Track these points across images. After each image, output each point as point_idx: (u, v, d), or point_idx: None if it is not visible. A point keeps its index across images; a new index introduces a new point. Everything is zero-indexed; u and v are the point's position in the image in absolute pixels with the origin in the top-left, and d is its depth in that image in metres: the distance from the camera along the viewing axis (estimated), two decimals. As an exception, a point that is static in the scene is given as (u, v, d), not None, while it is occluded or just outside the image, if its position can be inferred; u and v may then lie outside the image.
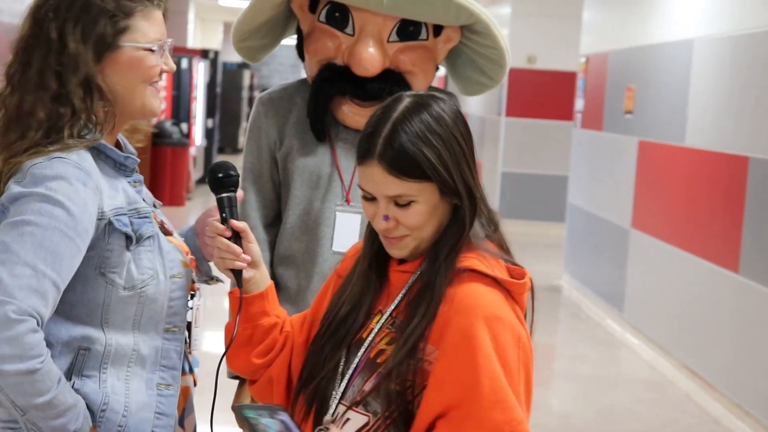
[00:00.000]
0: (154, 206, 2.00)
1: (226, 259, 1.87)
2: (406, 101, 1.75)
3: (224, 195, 1.89)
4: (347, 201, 2.43)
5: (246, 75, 20.36)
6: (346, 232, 2.42)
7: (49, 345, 1.75)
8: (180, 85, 13.29)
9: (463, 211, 1.73)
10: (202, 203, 13.72)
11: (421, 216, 1.72)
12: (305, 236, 2.43)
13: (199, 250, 2.05)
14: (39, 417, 1.70)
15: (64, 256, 1.72)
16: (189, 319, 1.94)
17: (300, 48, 2.53)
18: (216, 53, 15.93)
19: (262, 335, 1.90)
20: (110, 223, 1.80)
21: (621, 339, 7.25)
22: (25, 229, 1.71)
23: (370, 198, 1.75)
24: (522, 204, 12.25)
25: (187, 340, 1.96)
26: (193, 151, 13.63)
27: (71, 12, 1.83)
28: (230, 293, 1.93)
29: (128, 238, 1.82)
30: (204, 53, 15.49)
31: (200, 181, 14.09)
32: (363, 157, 1.73)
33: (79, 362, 1.80)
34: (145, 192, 1.98)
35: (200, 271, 2.05)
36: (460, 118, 1.77)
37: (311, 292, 2.37)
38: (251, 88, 21.56)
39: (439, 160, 1.69)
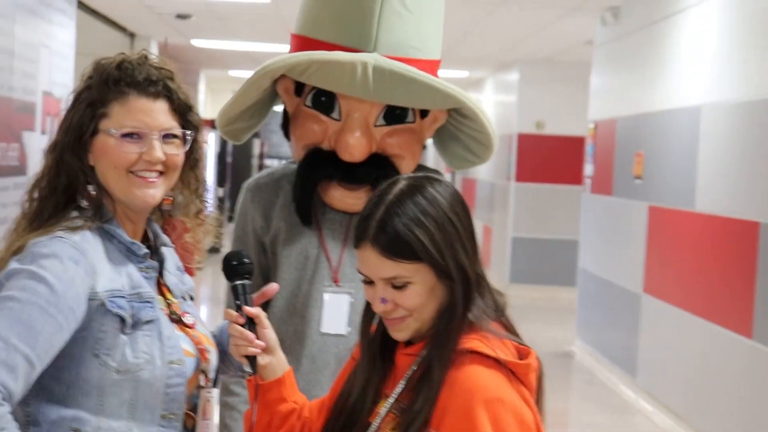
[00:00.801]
0: (191, 298, 2.04)
1: (240, 346, 1.89)
2: (401, 184, 1.78)
3: (238, 282, 1.92)
4: (335, 282, 2.41)
5: (256, 144, 20.49)
6: (334, 314, 2.39)
7: (36, 423, 1.79)
8: (191, 154, 13.35)
9: (456, 292, 1.74)
10: (212, 272, 13.72)
11: (418, 297, 1.73)
12: (293, 319, 2.40)
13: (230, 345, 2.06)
14: None
15: (41, 332, 1.73)
16: (196, 409, 1.95)
17: (285, 127, 2.53)
18: (227, 122, 16.01)
19: (280, 422, 1.90)
20: (103, 304, 1.82)
21: (635, 405, 7.19)
22: (6, 305, 1.73)
23: (368, 281, 1.77)
24: (533, 269, 12.24)
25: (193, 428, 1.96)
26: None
27: (76, 100, 1.93)
28: (248, 380, 1.94)
29: (123, 320, 1.83)
30: (214, 123, 15.60)
31: (211, 250, 14.10)
32: (358, 240, 1.76)
33: None
34: (174, 282, 2.01)
35: (233, 366, 2.06)
36: (456, 199, 1.78)
37: (300, 376, 2.33)
38: (261, 156, 21.68)
39: (431, 242, 1.71)
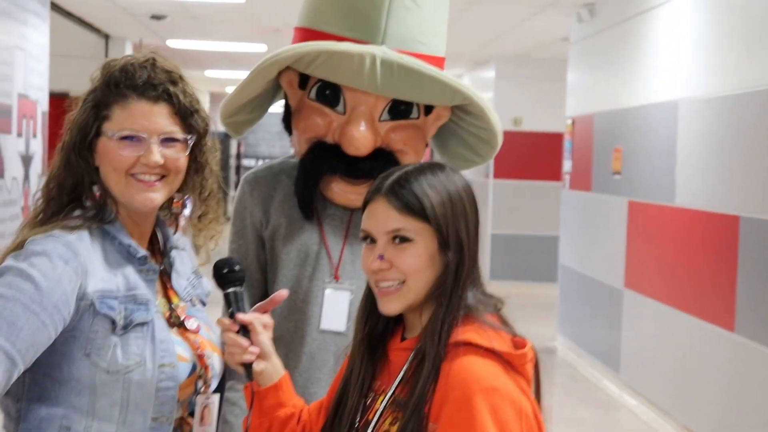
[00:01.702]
0: (202, 303, 2.06)
1: (235, 354, 1.88)
2: (420, 163, 1.83)
3: (230, 290, 1.92)
4: (336, 278, 2.39)
5: (233, 144, 20.45)
6: (334, 311, 2.38)
7: (25, 420, 1.81)
8: (168, 156, 13.30)
9: (450, 268, 1.74)
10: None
11: (417, 259, 1.74)
12: (293, 315, 2.39)
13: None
14: None
15: (23, 329, 1.73)
16: (181, 415, 1.95)
17: (287, 121, 2.51)
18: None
19: (280, 427, 1.90)
20: (93, 305, 1.82)
21: (618, 400, 7.20)
22: None
23: (370, 240, 1.78)
24: (512, 265, 12.26)
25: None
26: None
27: (84, 100, 1.94)
28: (245, 388, 1.93)
29: (113, 322, 1.83)
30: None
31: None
32: (371, 195, 1.79)
33: None
34: (182, 286, 2.02)
35: (236, 373, 2.06)
36: (468, 187, 1.81)
37: (299, 373, 2.33)
38: (238, 156, 21.64)
39: (441, 206, 1.74)
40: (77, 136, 1.91)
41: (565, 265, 8.99)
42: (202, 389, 1.96)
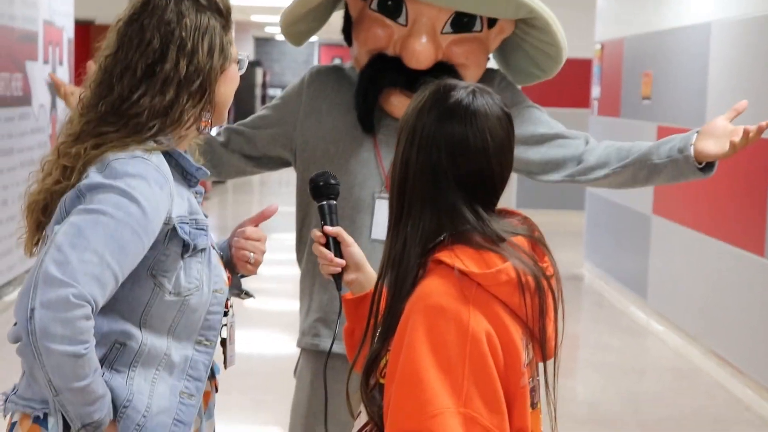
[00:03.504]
0: None
1: (324, 265, 1.94)
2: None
3: (324, 203, 1.98)
4: (387, 188, 2.39)
5: (258, 73, 20.35)
6: (385, 221, 2.39)
7: None
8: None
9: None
10: (218, 203, 13.73)
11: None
12: (343, 222, 2.38)
13: (232, 263, 2.10)
14: (70, 401, 1.74)
15: (129, 252, 1.76)
16: (224, 335, 1.98)
17: (347, 32, 2.49)
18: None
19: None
20: (174, 229, 1.84)
21: (646, 327, 7.21)
22: (101, 219, 1.75)
23: None
24: (540, 193, 12.20)
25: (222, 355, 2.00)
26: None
27: (198, 23, 1.90)
28: (341, 297, 1.97)
29: (185, 246, 1.85)
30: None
31: (216, 182, 14.08)
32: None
33: (113, 355, 1.83)
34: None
35: (232, 285, 2.08)
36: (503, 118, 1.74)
37: None
38: (264, 86, 21.55)
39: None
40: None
41: (593, 192, 8.95)
42: (228, 309, 2.00)
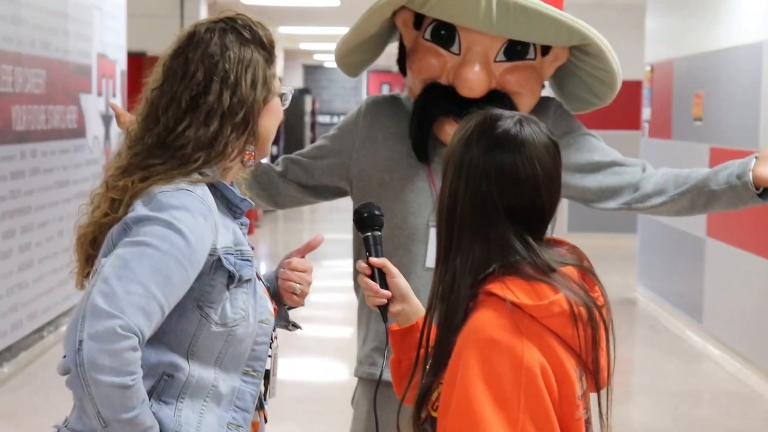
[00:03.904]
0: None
1: (369, 297, 1.94)
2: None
3: (368, 234, 1.97)
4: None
5: (308, 101, 20.47)
6: None
7: None
8: (244, 114, 13.34)
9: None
10: (269, 231, 13.80)
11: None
12: (398, 251, 2.40)
13: (278, 294, 2.10)
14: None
15: (175, 284, 1.77)
16: (267, 367, 1.98)
17: (401, 62, 2.50)
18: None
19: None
20: (219, 260, 1.85)
21: (702, 351, 7.10)
22: (146, 251, 1.76)
23: None
24: (591, 217, 12.11)
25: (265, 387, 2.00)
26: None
27: (242, 56, 1.92)
28: (387, 329, 1.97)
29: (231, 276, 1.86)
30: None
31: (267, 210, 14.16)
32: None
33: (161, 387, 1.83)
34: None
35: (279, 316, 2.08)
36: (550, 147, 1.72)
37: None
38: (313, 113, 21.67)
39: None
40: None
41: (645, 215, 8.86)
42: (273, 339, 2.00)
